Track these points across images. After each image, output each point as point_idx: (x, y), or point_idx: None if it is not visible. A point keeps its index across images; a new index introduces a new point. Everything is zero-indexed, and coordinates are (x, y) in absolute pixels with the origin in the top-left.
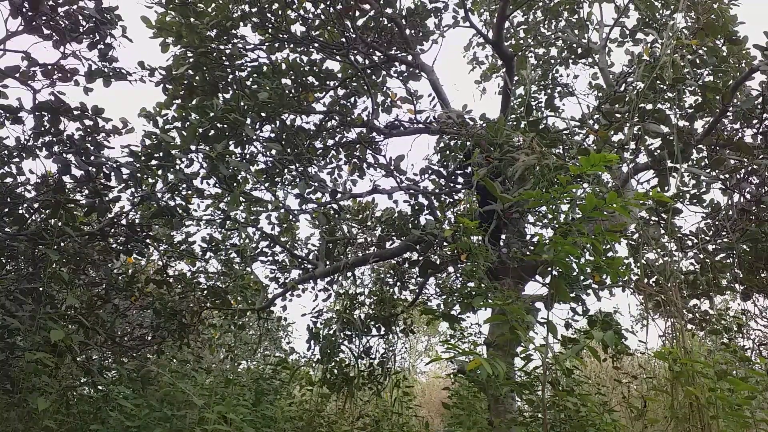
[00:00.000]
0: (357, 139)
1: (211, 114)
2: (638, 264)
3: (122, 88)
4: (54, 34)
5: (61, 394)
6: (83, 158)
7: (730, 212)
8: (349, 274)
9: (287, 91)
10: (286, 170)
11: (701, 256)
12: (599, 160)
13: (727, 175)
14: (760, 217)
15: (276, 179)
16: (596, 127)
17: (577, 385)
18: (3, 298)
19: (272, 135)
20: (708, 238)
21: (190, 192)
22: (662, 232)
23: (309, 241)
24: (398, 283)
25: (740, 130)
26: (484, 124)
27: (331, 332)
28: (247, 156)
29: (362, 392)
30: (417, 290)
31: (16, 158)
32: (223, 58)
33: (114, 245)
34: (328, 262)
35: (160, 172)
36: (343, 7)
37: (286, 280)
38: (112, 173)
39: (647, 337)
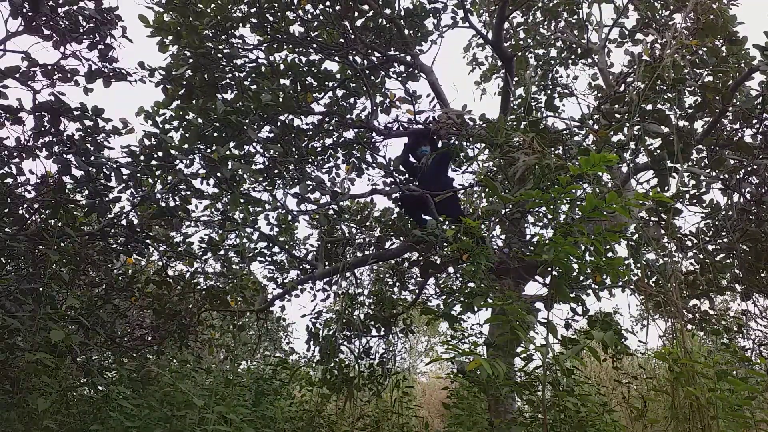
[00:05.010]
0: (355, 138)
1: (212, 114)
2: (638, 264)
3: (122, 89)
4: (54, 34)
5: (61, 394)
6: (83, 158)
7: (730, 212)
8: (348, 274)
9: (287, 92)
10: (284, 171)
11: (701, 256)
12: (599, 160)
13: (726, 175)
14: (760, 217)
15: (275, 180)
16: (596, 127)
17: (577, 386)
18: (3, 298)
19: (271, 135)
20: (708, 239)
21: (189, 192)
22: (662, 232)
23: (307, 241)
24: (398, 284)
25: (740, 130)
26: (484, 124)
27: (331, 333)
28: (246, 157)
29: (362, 393)
30: (417, 290)
31: (16, 158)
32: (222, 58)
33: (114, 246)
34: (327, 263)
35: (159, 172)
36: (342, 7)
37: (285, 281)
38: (112, 173)
39: (647, 338)
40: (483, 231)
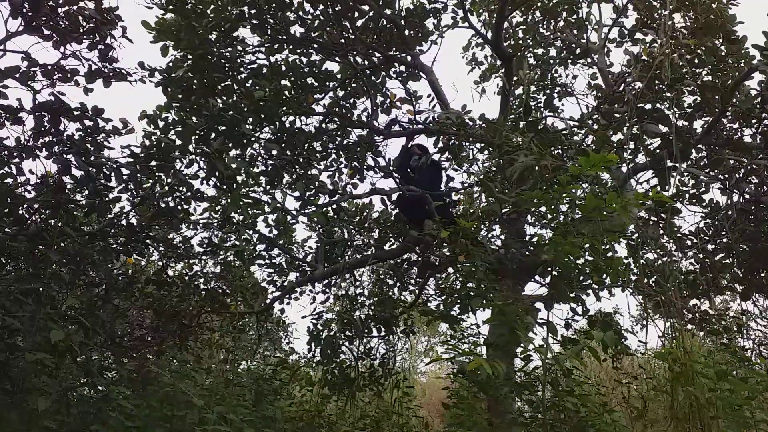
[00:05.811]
0: (357, 141)
1: (206, 112)
2: (638, 264)
3: (122, 89)
4: (54, 34)
5: (61, 394)
6: (83, 158)
7: (730, 212)
8: (348, 275)
9: (287, 92)
10: (285, 172)
11: (701, 256)
12: (599, 160)
13: (726, 175)
14: (759, 217)
15: (275, 182)
16: (595, 127)
17: (577, 386)
18: (3, 299)
19: (272, 137)
20: (707, 238)
21: (189, 194)
22: (661, 232)
23: (306, 243)
24: (398, 284)
25: (739, 130)
26: (484, 125)
27: (332, 334)
28: (247, 158)
29: (363, 393)
30: (417, 291)
31: (16, 158)
32: (222, 60)
33: (114, 246)
34: (326, 265)
35: (159, 174)
36: (342, 8)
37: (284, 283)
38: (112, 173)
39: (647, 338)
40: (482, 231)
